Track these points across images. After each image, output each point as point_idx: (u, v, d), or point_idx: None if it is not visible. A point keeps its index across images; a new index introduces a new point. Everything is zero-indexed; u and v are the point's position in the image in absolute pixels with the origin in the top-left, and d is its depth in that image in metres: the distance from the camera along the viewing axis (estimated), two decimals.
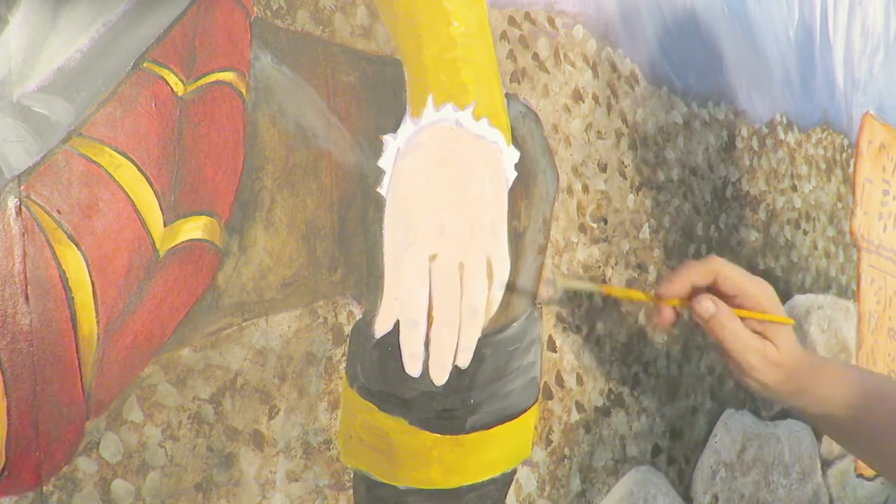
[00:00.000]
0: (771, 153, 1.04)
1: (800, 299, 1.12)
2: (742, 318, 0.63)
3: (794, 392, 0.64)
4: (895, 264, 1.35)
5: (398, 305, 0.61)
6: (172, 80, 0.49)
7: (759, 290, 0.63)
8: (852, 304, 1.25)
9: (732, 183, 0.97)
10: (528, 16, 0.71)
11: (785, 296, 1.08)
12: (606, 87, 0.79)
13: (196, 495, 0.51)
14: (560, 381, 0.75)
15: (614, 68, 0.80)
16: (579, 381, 0.77)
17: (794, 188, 1.09)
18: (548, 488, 0.74)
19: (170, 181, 0.49)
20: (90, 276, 0.46)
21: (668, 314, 0.64)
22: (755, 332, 0.63)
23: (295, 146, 0.55)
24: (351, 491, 0.60)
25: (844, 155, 1.22)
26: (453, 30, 0.64)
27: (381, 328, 0.61)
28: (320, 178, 0.57)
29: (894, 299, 1.36)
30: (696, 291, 0.64)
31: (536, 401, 0.72)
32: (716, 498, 0.96)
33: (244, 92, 0.52)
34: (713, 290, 0.63)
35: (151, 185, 0.48)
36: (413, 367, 0.62)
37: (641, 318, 0.84)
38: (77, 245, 0.45)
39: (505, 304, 0.68)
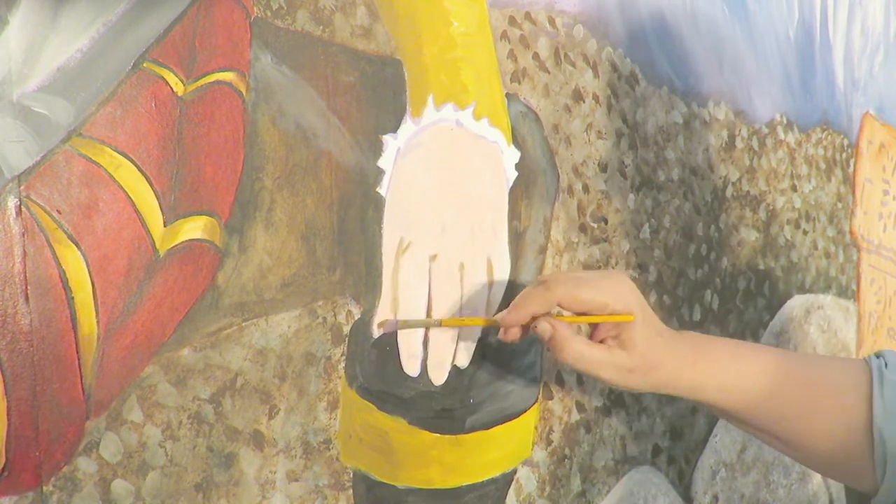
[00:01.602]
0: (771, 153, 1.04)
1: (800, 299, 1.12)
2: (594, 328, 0.61)
3: (660, 386, 0.62)
4: (895, 264, 1.35)
5: (397, 305, 0.61)
6: (172, 80, 0.49)
7: (608, 295, 0.59)
8: (852, 304, 1.25)
9: (732, 183, 0.97)
10: (528, 16, 0.71)
11: (785, 296, 1.08)
12: (607, 87, 0.79)
13: (196, 495, 0.51)
14: (560, 381, 0.75)
15: (614, 68, 0.80)
16: (579, 381, 0.77)
17: (794, 188, 1.09)
18: (548, 488, 0.74)
19: (170, 181, 0.49)
20: (90, 276, 0.46)
21: (513, 332, 0.61)
22: (610, 337, 0.61)
23: (295, 146, 0.55)
24: (351, 491, 0.60)
25: (844, 155, 1.22)
26: (453, 30, 0.64)
27: (379, 328, 0.61)
28: (320, 178, 0.57)
29: (894, 299, 1.36)
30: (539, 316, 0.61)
31: (536, 401, 0.72)
32: (716, 498, 0.96)
33: (244, 92, 0.52)
34: (562, 313, 0.61)
35: (151, 185, 0.48)
36: (411, 367, 0.63)
37: None
38: (77, 245, 0.45)
39: (505, 304, 0.68)
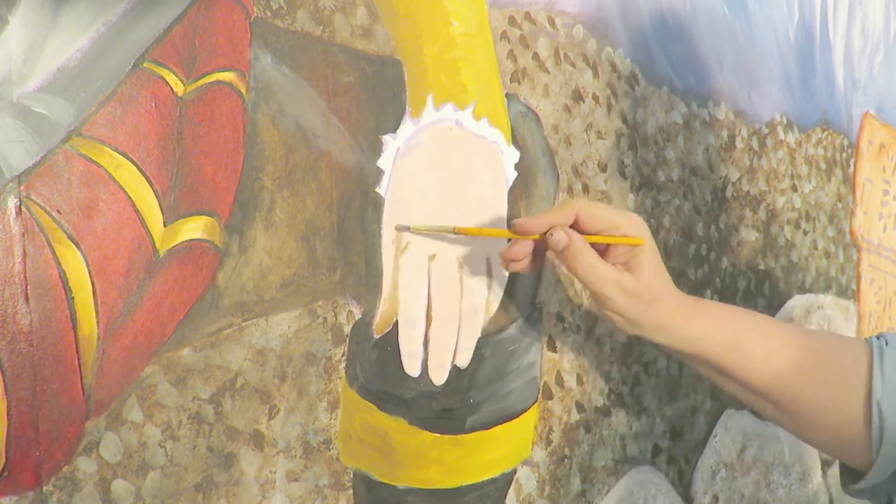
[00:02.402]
0: (771, 153, 1.04)
1: (800, 299, 1.12)
2: (605, 253, 0.61)
3: (658, 327, 0.62)
4: (895, 264, 1.35)
5: (397, 305, 0.61)
6: (172, 80, 0.49)
7: (621, 221, 0.60)
8: (852, 304, 1.25)
9: (732, 183, 0.97)
10: (528, 16, 0.71)
11: (785, 296, 1.08)
12: (606, 87, 0.79)
13: (196, 495, 0.51)
14: (560, 381, 0.75)
15: (614, 68, 0.80)
16: (579, 381, 0.77)
17: (794, 188, 1.09)
18: (548, 488, 0.74)
19: (170, 181, 0.49)
20: (90, 276, 0.46)
21: (520, 246, 0.61)
22: (620, 262, 0.61)
23: (295, 146, 0.55)
24: (351, 491, 0.60)
25: (844, 155, 1.22)
26: (453, 30, 0.64)
27: (380, 328, 0.61)
28: (320, 178, 0.57)
29: (894, 299, 1.36)
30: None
31: (536, 401, 0.72)
32: (716, 498, 0.96)
33: (244, 92, 0.52)
34: (577, 229, 0.61)
35: (151, 185, 0.48)
36: (412, 367, 0.63)
37: None
38: (77, 245, 0.45)
39: (504, 305, 0.68)
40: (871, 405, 0.59)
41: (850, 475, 0.64)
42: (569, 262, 0.59)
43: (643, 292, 0.60)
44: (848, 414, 0.60)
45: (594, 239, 0.60)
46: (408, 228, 0.61)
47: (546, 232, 0.60)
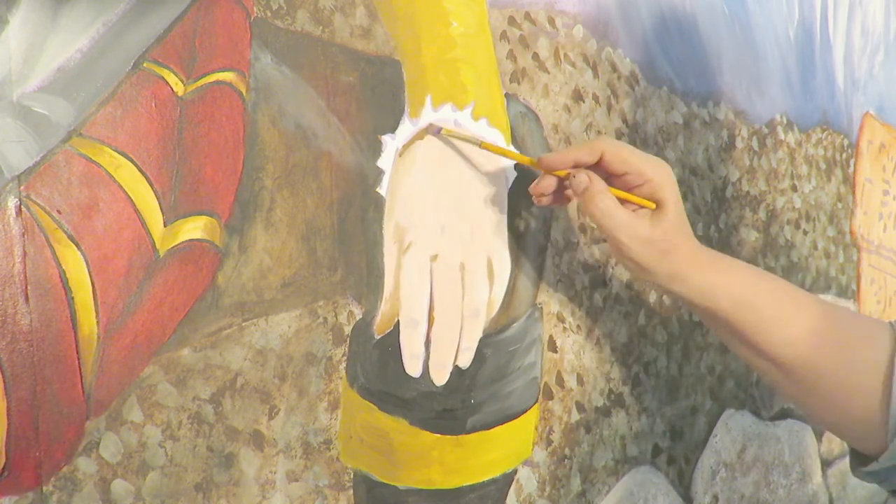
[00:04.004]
0: (771, 153, 1.04)
1: None
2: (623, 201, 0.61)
3: (671, 276, 0.61)
4: (895, 264, 1.35)
5: (399, 305, 0.61)
6: (172, 80, 0.49)
7: (649, 166, 0.61)
8: (852, 304, 1.25)
9: (732, 183, 0.97)
10: (528, 16, 0.71)
11: None
12: (606, 87, 0.79)
13: (196, 495, 0.51)
14: (560, 381, 0.75)
15: (614, 68, 0.80)
16: (579, 381, 0.77)
17: (794, 188, 1.09)
18: (548, 488, 0.74)
19: (170, 181, 0.49)
20: (90, 276, 0.46)
21: (547, 181, 0.62)
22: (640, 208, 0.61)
23: (295, 146, 0.55)
24: (351, 491, 0.60)
25: (844, 155, 1.22)
26: (453, 30, 0.64)
27: (381, 328, 0.61)
28: (320, 178, 0.57)
29: (894, 299, 1.36)
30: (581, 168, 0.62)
31: (537, 401, 0.72)
32: (716, 498, 0.96)
33: (244, 92, 0.52)
34: (601, 171, 0.61)
35: (151, 185, 0.48)
36: (413, 368, 0.63)
37: (642, 319, 0.84)
38: (77, 245, 0.45)
39: (505, 305, 0.68)
40: (892, 386, 0.57)
41: (859, 457, 0.63)
42: (586, 204, 0.60)
43: (659, 240, 0.60)
44: (863, 393, 0.58)
45: (615, 192, 0.61)
46: (439, 131, 0.61)
47: (569, 173, 0.60)
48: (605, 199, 0.59)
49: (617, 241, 0.60)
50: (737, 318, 0.61)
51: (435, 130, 0.62)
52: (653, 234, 0.60)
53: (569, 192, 0.63)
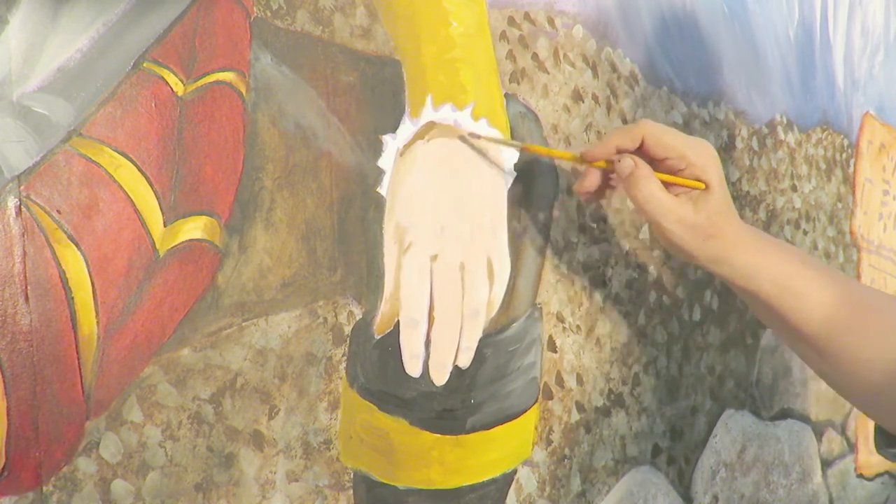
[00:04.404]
0: (771, 153, 1.04)
1: None
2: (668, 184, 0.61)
3: (715, 259, 0.62)
4: (895, 264, 1.35)
5: (399, 305, 0.61)
6: (172, 80, 0.49)
7: (691, 150, 0.61)
8: None
9: (732, 183, 0.97)
10: (527, 16, 0.71)
11: None
12: (606, 87, 0.79)
13: (196, 495, 0.51)
14: (560, 381, 0.75)
15: (614, 68, 0.80)
16: (579, 381, 0.77)
17: (794, 188, 1.09)
18: (548, 488, 0.74)
19: (170, 181, 0.49)
20: (90, 276, 0.46)
21: (592, 177, 0.62)
22: (683, 192, 0.61)
23: (295, 146, 0.55)
24: (351, 491, 0.60)
25: (844, 155, 1.22)
26: (452, 30, 0.64)
27: (381, 328, 0.61)
28: (320, 178, 0.57)
29: None
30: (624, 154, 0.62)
31: (536, 401, 0.72)
32: (716, 498, 0.96)
33: (244, 92, 0.52)
34: (643, 155, 0.61)
35: (151, 185, 0.48)
36: (413, 368, 0.63)
37: (642, 319, 0.84)
38: (77, 245, 0.45)
39: (505, 305, 0.68)
40: None
41: (885, 437, 0.63)
42: (630, 189, 0.60)
43: (703, 224, 0.60)
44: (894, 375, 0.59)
45: (661, 177, 0.61)
46: (478, 137, 0.62)
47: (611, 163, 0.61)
48: (649, 184, 0.59)
49: (660, 227, 0.61)
50: (779, 302, 0.62)
51: (474, 136, 0.62)
52: (697, 219, 0.60)
53: (613, 180, 0.63)
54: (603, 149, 0.61)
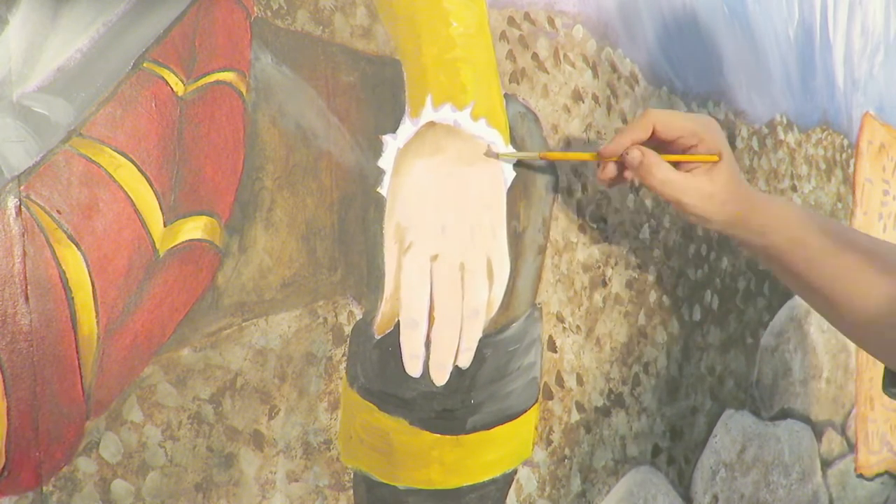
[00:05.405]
0: (771, 153, 1.04)
1: (800, 299, 1.12)
2: (685, 152, 0.66)
3: (732, 222, 0.66)
4: None
5: (399, 306, 0.61)
6: (172, 80, 0.49)
7: (697, 127, 0.65)
8: None
9: None
10: (527, 16, 0.71)
11: (785, 296, 1.08)
12: (606, 87, 0.79)
13: (196, 495, 0.51)
14: (560, 381, 0.75)
15: (614, 68, 0.80)
16: (579, 381, 0.77)
17: (794, 188, 1.09)
18: (548, 488, 0.74)
19: (170, 181, 0.49)
20: (90, 276, 0.46)
21: (609, 170, 0.66)
22: (696, 166, 0.66)
23: (295, 146, 0.55)
24: (351, 491, 0.60)
25: (844, 155, 1.22)
26: (453, 30, 0.64)
27: (381, 328, 0.61)
28: (320, 178, 0.57)
29: None
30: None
31: (536, 401, 0.72)
32: (716, 498, 0.96)
33: (244, 92, 0.52)
34: (656, 140, 0.65)
35: (151, 185, 0.48)
36: (413, 368, 0.63)
37: (642, 319, 0.84)
38: (77, 245, 0.45)
39: (505, 305, 0.68)
40: None
41: (893, 378, 0.66)
42: (644, 177, 0.64)
43: (719, 192, 0.65)
44: None
45: (670, 158, 0.65)
46: (496, 155, 0.66)
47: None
48: (661, 169, 0.64)
49: (680, 203, 0.65)
50: (790, 256, 0.66)
51: (493, 154, 0.66)
52: (713, 189, 0.65)
53: (627, 172, 0.66)
54: (617, 145, 0.65)
